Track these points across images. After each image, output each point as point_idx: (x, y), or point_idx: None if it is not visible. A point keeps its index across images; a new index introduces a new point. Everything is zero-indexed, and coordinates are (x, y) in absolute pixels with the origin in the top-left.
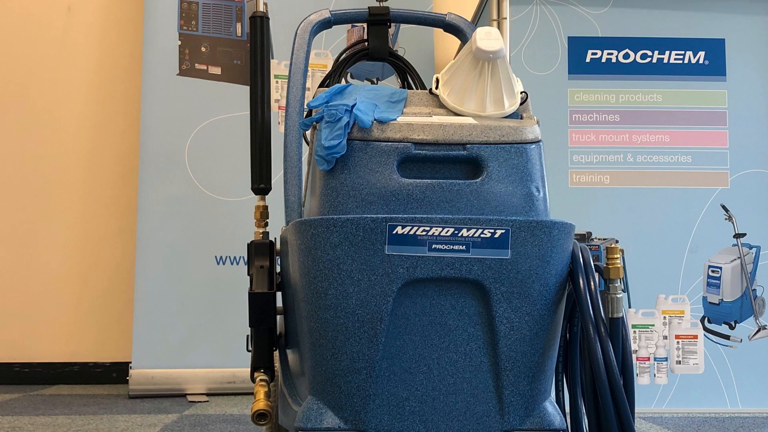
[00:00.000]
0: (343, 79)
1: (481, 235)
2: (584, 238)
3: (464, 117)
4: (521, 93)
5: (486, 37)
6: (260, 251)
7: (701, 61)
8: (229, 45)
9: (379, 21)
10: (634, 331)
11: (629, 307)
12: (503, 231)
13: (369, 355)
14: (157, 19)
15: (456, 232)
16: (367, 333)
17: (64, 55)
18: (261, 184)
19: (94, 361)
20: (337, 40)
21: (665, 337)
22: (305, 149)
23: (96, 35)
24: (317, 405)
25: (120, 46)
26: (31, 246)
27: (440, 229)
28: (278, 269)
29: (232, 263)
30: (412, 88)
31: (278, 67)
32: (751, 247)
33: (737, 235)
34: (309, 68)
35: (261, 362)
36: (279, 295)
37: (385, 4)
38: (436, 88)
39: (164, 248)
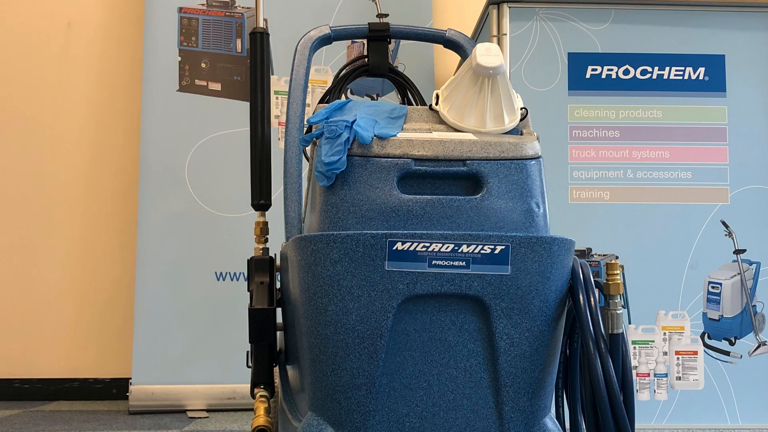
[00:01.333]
0: (343, 95)
1: (481, 251)
2: (584, 254)
3: (464, 133)
4: (521, 109)
5: (486, 53)
6: (260, 267)
7: (701, 77)
8: (229, 61)
9: (379, 37)
10: (634, 347)
11: (629, 323)
12: (503, 247)
13: (369, 371)
14: (157, 35)
15: (456, 248)
16: (367, 349)
17: (65, 70)
18: (261, 200)
19: (94, 377)
20: (337, 56)
21: (665, 353)
22: (305, 165)
23: (96, 51)
24: (317, 421)
25: (120, 62)
26: (30, 261)
27: (440, 245)
28: (278, 285)
29: (232, 279)
30: (412, 104)
31: (278, 83)
32: (751, 263)
33: (737, 251)
34: (309, 84)
35: (261, 378)
36: (279, 311)
37: (385, 20)
38: (436, 104)
39: (164, 264)
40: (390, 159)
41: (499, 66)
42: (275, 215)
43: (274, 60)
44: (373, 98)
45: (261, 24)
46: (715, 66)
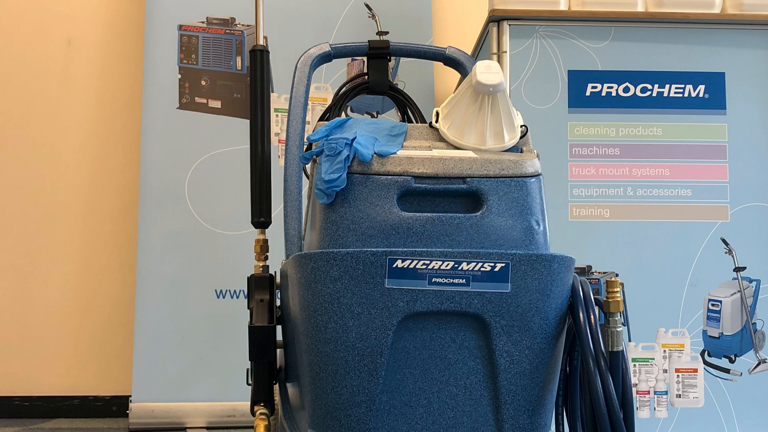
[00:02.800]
0: (343, 113)
1: (481, 269)
2: (584, 271)
3: (464, 150)
4: (521, 126)
5: (486, 71)
6: (260, 285)
7: (701, 95)
8: (229, 78)
9: (379, 54)
10: (634, 365)
11: (629, 340)
12: (503, 264)
13: (369, 389)
14: (157, 53)
15: (456, 265)
16: (367, 366)
17: (65, 89)
18: (261, 217)
19: (94, 394)
20: (337, 73)
21: (665, 371)
22: (305, 183)
23: (96, 69)
24: None
25: (120, 80)
26: (30, 280)
27: (440, 262)
28: (278, 303)
29: (232, 297)
30: (412, 122)
31: (278, 100)
32: (751, 281)
33: (737, 269)
34: (309, 102)
35: (261, 396)
36: (279, 328)
37: (385, 37)
38: (436, 121)
39: (164, 282)
40: (390, 176)
41: (499, 83)
42: (275, 233)
43: (274, 77)
44: (373, 116)
45: (261, 41)
46: (715, 84)
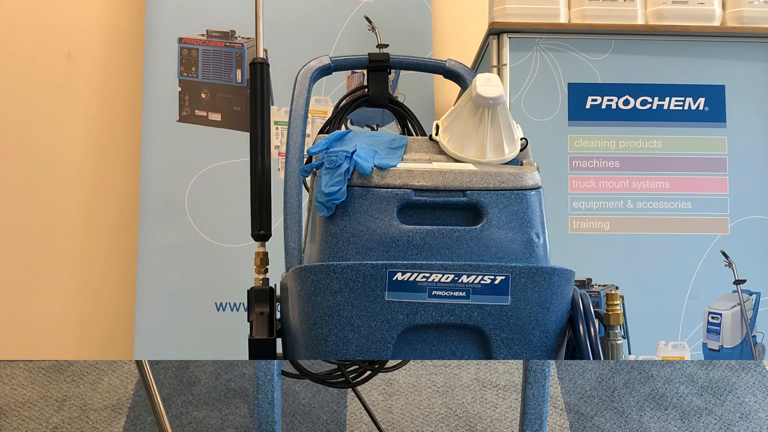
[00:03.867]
0: (343, 126)
1: (481, 282)
2: (584, 284)
3: (464, 163)
4: (521, 139)
5: (486, 84)
6: (260, 297)
7: (701, 108)
8: (229, 91)
9: (379, 67)
10: None
11: (629, 353)
12: (503, 277)
13: None
14: (156, 66)
15: (456, 278)
16: None
17: (64, 101)
18: (261, 230)
19: None
20: (337, 86)
21: None
22: (305, 195)
23: (96, 82)
24: None
25: (120, 93)
26: (30, 293)
27: (440, 275)
28: (278, 315)
29: (232, 310)
30: (412, 135)
31: (278, 113)
32: (751, 294)
33: (737, 282)
34: (309, 114)
35: None
36: (279, 341)
37: (385, 50)
38: (436, 134)
39: (164, 295)
40: (390, 189)
41: (499, 96)
42: (275, 246)
43: (274, 90)
44: (373, 128)
45: (261, 54)
46: (715, 96)
